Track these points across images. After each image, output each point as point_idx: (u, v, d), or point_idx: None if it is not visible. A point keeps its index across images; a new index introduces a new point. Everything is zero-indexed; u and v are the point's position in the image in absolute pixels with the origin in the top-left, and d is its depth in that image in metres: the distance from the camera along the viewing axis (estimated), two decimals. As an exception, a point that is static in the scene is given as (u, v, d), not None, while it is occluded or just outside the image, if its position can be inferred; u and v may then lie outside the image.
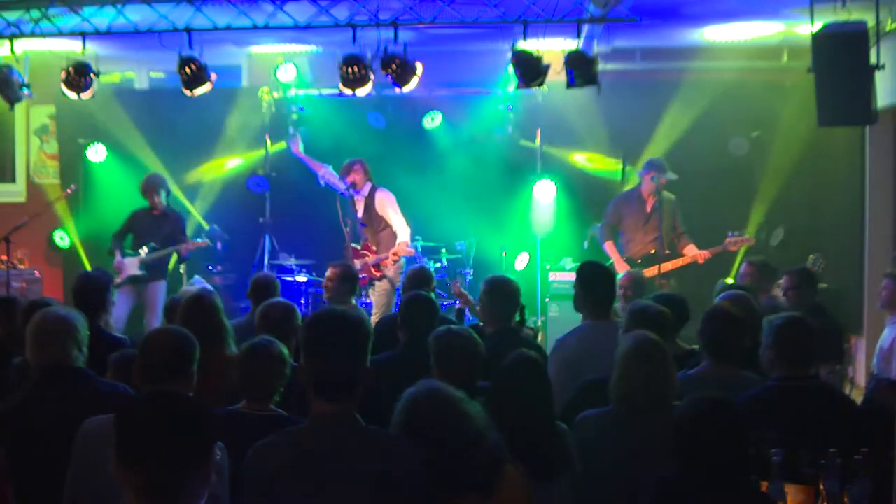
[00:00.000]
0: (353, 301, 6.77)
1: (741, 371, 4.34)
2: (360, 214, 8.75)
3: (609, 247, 8.69)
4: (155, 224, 8.92)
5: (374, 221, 8.67)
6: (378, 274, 8.52)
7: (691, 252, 8.41)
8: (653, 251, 8.43)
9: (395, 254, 8.37)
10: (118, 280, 8.53)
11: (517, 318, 5.62)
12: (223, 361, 4.52)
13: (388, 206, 8.60)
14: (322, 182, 9.17)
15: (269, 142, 10.27)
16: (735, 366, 4.36)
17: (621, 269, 8.20)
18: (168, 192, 9.09)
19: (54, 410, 3.65)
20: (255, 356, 3.96)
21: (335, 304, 6.50)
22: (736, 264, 8.83)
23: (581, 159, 10.08)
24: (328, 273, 6.61)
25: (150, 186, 8.89)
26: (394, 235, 8.56)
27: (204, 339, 4.00)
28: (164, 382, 3.44)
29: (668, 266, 8.34)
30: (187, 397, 2.24)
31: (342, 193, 8.80)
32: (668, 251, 8.43)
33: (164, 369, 3.52)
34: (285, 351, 4.04)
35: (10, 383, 4.38)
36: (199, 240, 9.11)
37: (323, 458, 2.78)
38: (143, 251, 8.77)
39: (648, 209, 8.55)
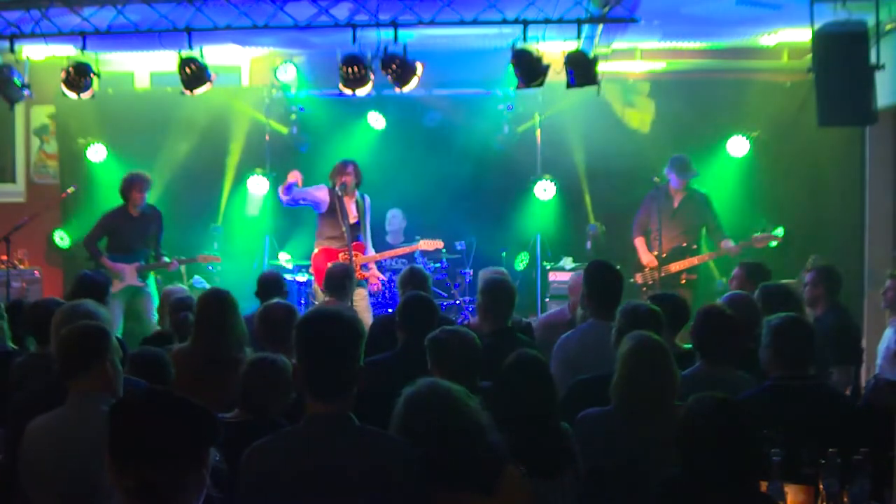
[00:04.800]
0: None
1: (735, 371, 4.33)
2: (353, 215, 8.65)
3: (639, 242, 8.75)
4: (138, 226, 8.63)
5: (363, 224, 8.65)
6: (364, 276, 8.48)
7: (727, 246, 8.41)
8: (684, 244, 8.52)
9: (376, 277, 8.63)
10: (120, 286, 8.35)
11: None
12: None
13: (368, 214, 8.67)
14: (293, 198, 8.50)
15: (268, 141, 10.26)
16: (729, 366, 4.34)
17: (647, 264, 8.51)
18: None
19: None
20: (259, 370, 3.92)
21: None
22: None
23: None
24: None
25: (138, 185, 8.54)
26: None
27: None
28: (79, 376, 3.44)
29: (690, 262, 8.43)
30: (185, 397, 2.19)
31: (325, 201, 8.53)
32: (695, 245, 8.52)
33: (77, 364, 3.49)
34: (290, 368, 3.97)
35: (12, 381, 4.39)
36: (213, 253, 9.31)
37: (318, 458, 2.78)
38: (136, 265, 8.56)
39: (676, 205, 8.60)
